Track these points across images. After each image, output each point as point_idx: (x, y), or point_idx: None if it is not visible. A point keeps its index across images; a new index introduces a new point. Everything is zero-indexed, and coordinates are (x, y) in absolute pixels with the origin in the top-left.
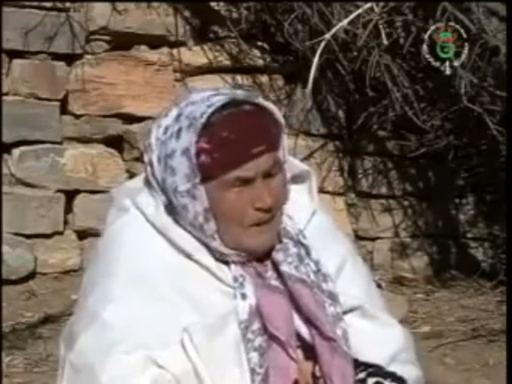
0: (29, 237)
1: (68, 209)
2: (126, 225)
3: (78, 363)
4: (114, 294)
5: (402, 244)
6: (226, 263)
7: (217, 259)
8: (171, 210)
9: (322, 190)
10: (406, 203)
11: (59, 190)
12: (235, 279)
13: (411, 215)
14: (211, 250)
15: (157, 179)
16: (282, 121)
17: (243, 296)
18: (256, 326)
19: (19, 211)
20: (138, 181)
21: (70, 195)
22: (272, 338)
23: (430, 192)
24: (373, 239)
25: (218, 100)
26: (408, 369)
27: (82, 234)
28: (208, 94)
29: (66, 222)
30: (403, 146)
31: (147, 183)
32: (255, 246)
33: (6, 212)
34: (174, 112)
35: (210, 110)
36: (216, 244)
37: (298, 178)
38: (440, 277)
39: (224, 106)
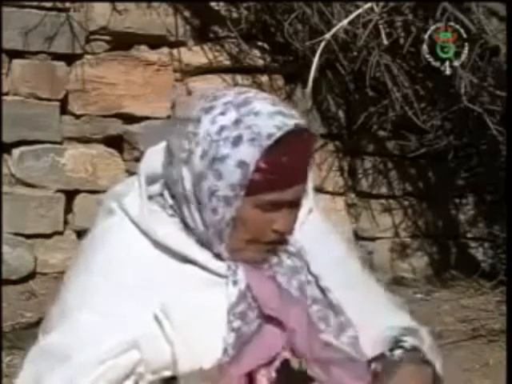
0: (29, 237)
1: (68, 209)
2: (110, 227)
3: (47, 350)
4: (90, 290)
5: (402, 244)
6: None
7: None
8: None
9: (321, 190)
10: (406, 203)
11: (59, 190)
12: (229, 267)
13: (411, 215)
14: (205, 247)
15: (181, 167)
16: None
17: (234, 283)
18: (239, 309)
19: (19, 211)
20: (127, 183)
21: (70, 195)
22: (268, 319)
23: (430, 192)
24: (373, 239)
25: (286, 124)
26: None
27: (82, 234)
28: (272, 110)
29: (66, 222)
30: (403, 146)
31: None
32: (251, 259)
33: (5, 212)
34: (232, 113)
35: (279, 134)
36: (221, 248)
37: None
38: (440, 277)
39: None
